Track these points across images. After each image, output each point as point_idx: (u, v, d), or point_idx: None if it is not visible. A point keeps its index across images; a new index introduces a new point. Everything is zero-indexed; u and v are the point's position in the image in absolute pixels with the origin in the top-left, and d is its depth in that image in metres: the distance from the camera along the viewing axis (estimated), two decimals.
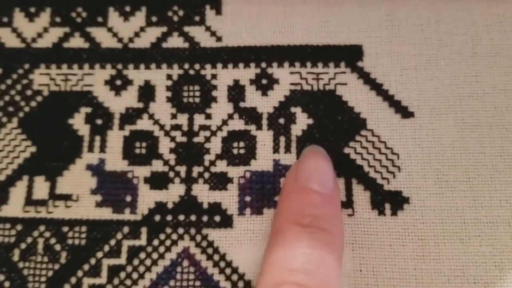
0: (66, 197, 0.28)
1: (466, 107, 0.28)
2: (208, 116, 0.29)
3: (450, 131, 0.28)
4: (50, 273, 0.27)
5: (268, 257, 0.23)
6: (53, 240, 0.28)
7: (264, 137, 0.29)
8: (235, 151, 0.29)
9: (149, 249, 0.27)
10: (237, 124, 0.29)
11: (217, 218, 0.27)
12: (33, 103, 0.30)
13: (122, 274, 0.27)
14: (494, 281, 0.26)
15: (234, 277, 0.26)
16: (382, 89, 0.29)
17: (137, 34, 0.31)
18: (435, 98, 0.28)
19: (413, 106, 0.28)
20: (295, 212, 0.23)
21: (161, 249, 0.27)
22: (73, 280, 0.27)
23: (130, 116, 0.29)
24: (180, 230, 0.27)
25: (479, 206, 0.27)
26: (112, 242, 0.28)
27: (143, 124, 0.29)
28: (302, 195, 0.23)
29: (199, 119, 0.29)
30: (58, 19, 0.31)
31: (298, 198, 0.23)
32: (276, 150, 0.28)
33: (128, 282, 0.27)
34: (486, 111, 0.28)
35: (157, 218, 0.28)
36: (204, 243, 0.27)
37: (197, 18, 0.31)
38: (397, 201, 0.27)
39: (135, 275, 0.27)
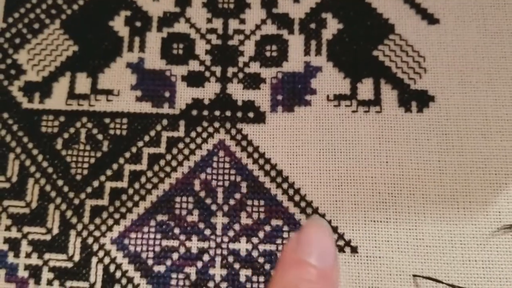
0: (108, 92, 0.30)
1: (488, 16, 0.30)
2: (242, 21, 0.31)
3: (473, 37, 0.29)
4: (93, 160, 0.29)
5: None
6: (95, 130, 0.29)
7: (295, 41, 0.30)
8: (267, 54, 0.30)
9: (187, 140, 0.29)
10: (270, 28, 0.30)
11: (251, 114, 0.29)
12: (75, 6, 0.31)
13: (162, 162, 0.28)
14: None
15: (267, 167, 0.28)
16: None
17: None
18: (459, 6, 0.30)
19: (439, 14, 0.30)
20: (289, 285, 0.22)
21: (198, 140, 0.29)
22: (115, 166, 0.28)
23: (167, 19, 0.31)
24: (216, 124, 0.29)
25: (500, 105, 0.28)
26: (152, 133, 0.29)
27: (180, 27, 0.31)
28: (298, 268, 0.22)
29: (233, 24, 0.31)
30: None
31: (294, 271, 0.22)
32: (307, 53, 0.30)
33: (168, 168, 0.28)
34: (507, 19, 0.30)
35: (194, 112, 0.29)
36: (239, 136, 0.29)
37: None
38: (423, 99, 0.28)
39: (174, 163, 0.28)
